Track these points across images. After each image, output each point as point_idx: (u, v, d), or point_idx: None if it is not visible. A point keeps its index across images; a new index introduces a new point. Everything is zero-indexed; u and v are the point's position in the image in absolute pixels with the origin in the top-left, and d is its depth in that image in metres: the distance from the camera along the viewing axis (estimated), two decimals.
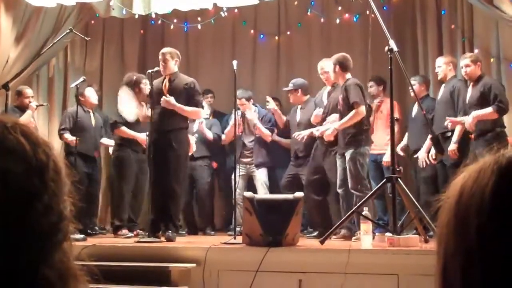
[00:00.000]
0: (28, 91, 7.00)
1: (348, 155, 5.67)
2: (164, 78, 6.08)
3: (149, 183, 6.09)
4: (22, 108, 6.77)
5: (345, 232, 5.68)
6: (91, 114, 6.96)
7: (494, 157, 0.81)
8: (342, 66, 5.85)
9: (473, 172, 0.81)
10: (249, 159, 7.12)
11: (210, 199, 7.54)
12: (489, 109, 5.51)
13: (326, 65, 6.22)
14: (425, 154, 6.09)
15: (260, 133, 7.08)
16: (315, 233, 6.09)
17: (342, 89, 5.84)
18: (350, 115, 5.63)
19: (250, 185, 7.07)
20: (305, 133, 6.27)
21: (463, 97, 5.87)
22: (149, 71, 6.04)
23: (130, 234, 6.28)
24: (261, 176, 7.05)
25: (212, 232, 7.23)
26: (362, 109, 5.67)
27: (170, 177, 5.78)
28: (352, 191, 5.57)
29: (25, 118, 6.42)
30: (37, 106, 6.93)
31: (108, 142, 7.07)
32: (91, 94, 6.97)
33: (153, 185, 5.81)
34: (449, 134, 5.92)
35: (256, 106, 7.30)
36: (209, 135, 7.35)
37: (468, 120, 5.54)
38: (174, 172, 5.81)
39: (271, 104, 7.02)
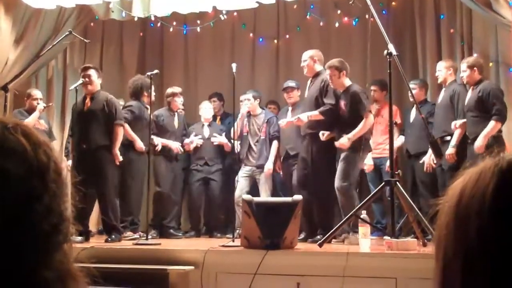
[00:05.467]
0: (36, 92, 6.99)
1: (342, 155, 5.69)
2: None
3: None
4: (31, 111, 6.76)
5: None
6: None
7: (494, 160, 0.81)
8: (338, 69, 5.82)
9: (473, 174, 0.81)
10: (255, 162, 6.91)
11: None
12: (492, 123, 5.46)
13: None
14: (430, 159, 6.07)
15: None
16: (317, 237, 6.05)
17: (347, 93, 5.80)
18: (360, 126, 5.61)
19: (254, 189, 6.82)
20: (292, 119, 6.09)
21: (463, 101, 5.87)
22: (149, 73, 6.03)
23: (135, 236, 6.25)
24: (265, 180, 6.97)
25: (219, 235, 7.02)
26: (371, 118, 5.70)
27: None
28: (336, 190, 5.56)
29: (30, 120, 6.38)
30: (44, 107, 6.92)
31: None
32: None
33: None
34: (448, 138, 5.92)
35: (263, 109, 7.17)
36: (223, 140, 7.23)
37: (478, 143, 5.46)
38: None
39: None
